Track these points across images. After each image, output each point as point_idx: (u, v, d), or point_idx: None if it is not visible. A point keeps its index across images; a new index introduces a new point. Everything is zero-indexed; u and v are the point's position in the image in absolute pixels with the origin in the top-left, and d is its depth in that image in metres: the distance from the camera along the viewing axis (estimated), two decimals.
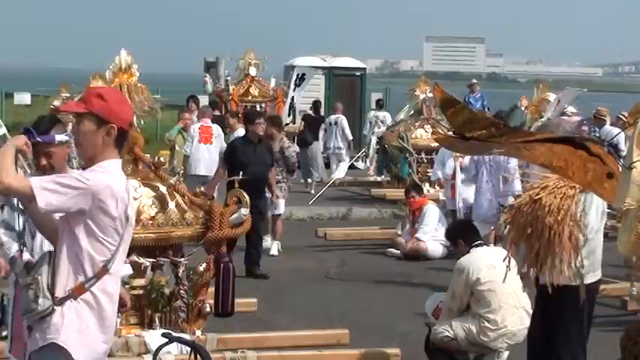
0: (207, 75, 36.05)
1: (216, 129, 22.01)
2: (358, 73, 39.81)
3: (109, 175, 6.53)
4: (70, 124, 8.23)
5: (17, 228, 8.00)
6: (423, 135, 25.03)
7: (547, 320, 9.96)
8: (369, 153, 33.28)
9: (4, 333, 8.97)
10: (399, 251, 19.72)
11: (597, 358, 10.60)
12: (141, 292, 10.71)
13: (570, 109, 20.76)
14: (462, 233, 11.89)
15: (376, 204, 25.10)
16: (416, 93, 26.33)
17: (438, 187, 21.83)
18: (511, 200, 11.36)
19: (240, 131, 22.20)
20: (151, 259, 10.85)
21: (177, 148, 22.28)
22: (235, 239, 11.39)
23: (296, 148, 21.68)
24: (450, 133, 2.13)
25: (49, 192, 6.33)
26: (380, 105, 35.54)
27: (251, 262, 16.58)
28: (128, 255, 10.11)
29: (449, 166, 19.63)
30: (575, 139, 2.04)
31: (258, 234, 17.08)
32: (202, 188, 11.87)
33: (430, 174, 23.22)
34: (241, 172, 14.05)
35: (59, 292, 6.48)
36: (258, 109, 28.66)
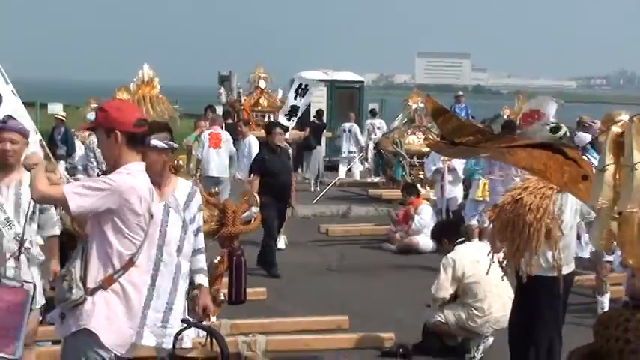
0: (222, 87, 36.14)
1: (225, 135, 21.98)
2: (357, 86, 39.91)
3: (132, 177, 6.56)
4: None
5: None
6: (415, 141, 25.05)
7: (526, 308, 9.97)
8: (367, 157, 33.33)
9: None
10: (393, 246, 19.80)
11: (572, 342, 10.50)
12: None
13: (551, 118, 20.79)
14: (446, 233, 12.17)
15: (373, 203, 25.15)
16: (409, 103, 26.52)
17: (428, 188, 21.93)
18: None
19: (252, 137, 22.28)
20: None
21: (193, 152, 22.28)
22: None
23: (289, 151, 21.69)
24: (440, 139, 2.12)
25: (78, 196, 6.39)
26: (374, 113, 35.77)
27: (267, 260, 16.53)
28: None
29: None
30: (553, 145, 2.04)
31: (275, 232, 17.16)
32: (217, 189, 11.87)
33: (421, 176, 23.50)
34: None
35: (90, 283, 6.50)
36: (266, 118, 28.68)
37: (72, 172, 24.90)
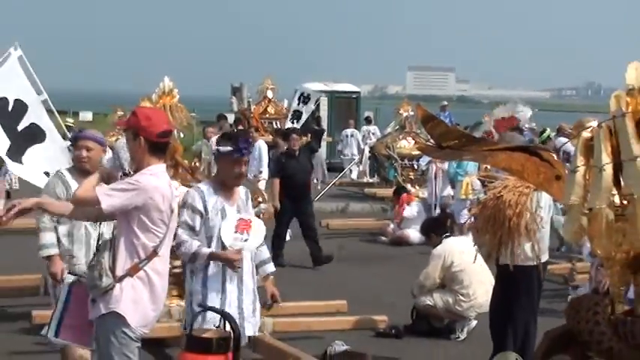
0: (234, 97, 36.18)
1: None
2: (354, 96, 39.98)
3: (156, 178, 6.62)
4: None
5: None
6: (405, 145, 25.10)
7: (505, 294, 9.97)
8: (362, 159, 33.36)
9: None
10: (386, 238, 19.84)
11: (545, 325, 10.51)
12: (180, 270, 10.68)
13: (526, 124, 20.85)
14: (433, 229, 12.28)
15: (369, 200, 25.17)
16: (400, 112, 26.54)
17: (418, 187, 21.97)
18: None
19: (261, 142, 22.29)
20: None
21: (203, 155, 22.36)
22: None
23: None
24: (429, 143, 2.12)
25: (109, 197, 6.48)
26: (368, 121, 35.94)
27: (275, 250, 16.30)
28: None
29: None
30: (530, 148, 2.04)
31: (285, 227, 17.13)
32: None
33: (412, 176, 23.66)
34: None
35: (119, 272, 6.54)
36: (274, 124, 28.73)
37: None
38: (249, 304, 7.89)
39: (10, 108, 11.53)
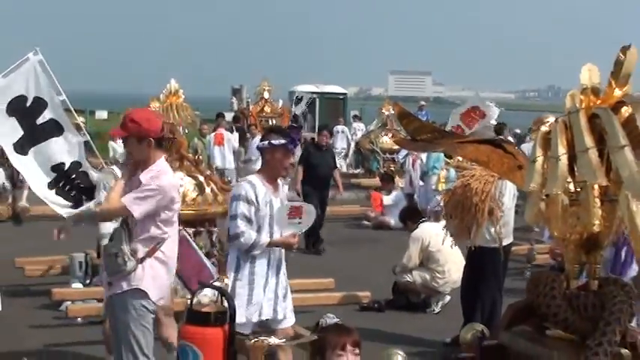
0: (234, 97, 36.29)
1: (226, 134, 22.51)
2: (341, 97, 40.23)
3: (169, 175, 6.70)
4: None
5: None
6: (387, 141, 25.42)
7: (474, 273, 10.01)
8: (349, 153, 33.54)
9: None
10: (370, 223, 19.89)
11: (510, 299, 10.48)
12: None
13: (492, 121, 21.04)
14: (409, 217, 12.37)
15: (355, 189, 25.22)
16: (382, 111, 26.87)
17: (398, 178, 22.01)
18: None
19: (257, 137, 22.35)
20: (193, 229, 10.80)
21: (199, 150, 22.42)
22: None
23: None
24: (405, 137, 2.12)
25: (136, 205, 6.49)
26: (358, 118, 36.28)
27: (311, 238, 16.27)
28: None
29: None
30: (495, 141, 2.03)
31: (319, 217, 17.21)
32: (229, 178, 11.86)
33: (392, 167, 23.80)
34: None
35: (140, 254, 6.59)
36: (270, 122, 28.80)
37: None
38: (282, 289, 7.79)
39: (28, 104, 11.49)
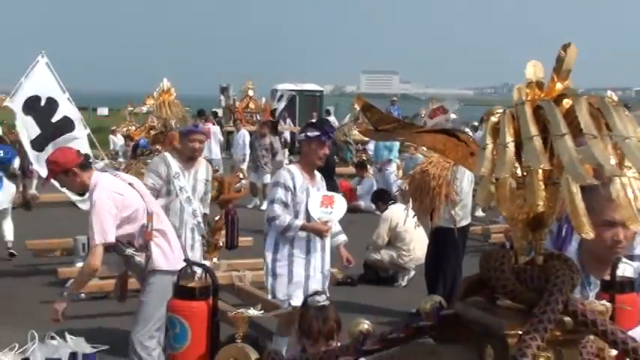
0: (222, 95, 36.26)
1: (214, 128, 22.66)
2: (318, 94, 40.25)
3: (100, 185, 6.58)
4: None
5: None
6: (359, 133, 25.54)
7: (436, 250, 10.04)
8: None
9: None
10: None
11: (469, 274, 10.66)
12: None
13: (452, 115, 21.12)
14: (380, 199, 12.42)
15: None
16: (354, 106, 26.92)
17: (369, 166, 22.08)
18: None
19: (244, 130, 22.40)
20: None
21: None
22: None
23: (278, 143, 21.72)
24: (369, 127, 2.11)
25: (105, 233, 6.38)
26: (329, 113, 36.84)
27: None
28: None
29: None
30: (449, 131, 2.03)
31: None
32: (216, 167, 11.82)
33: (364, 157, 23.95)
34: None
35: (141, 245, 6.65)
36: (254, 117, 28.86)
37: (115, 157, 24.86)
38: (327, 269, 7.83)
39: (42, 104, 11.50)
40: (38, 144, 11.33)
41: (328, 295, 7.67)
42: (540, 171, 1.76)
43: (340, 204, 7.76)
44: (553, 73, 1.85)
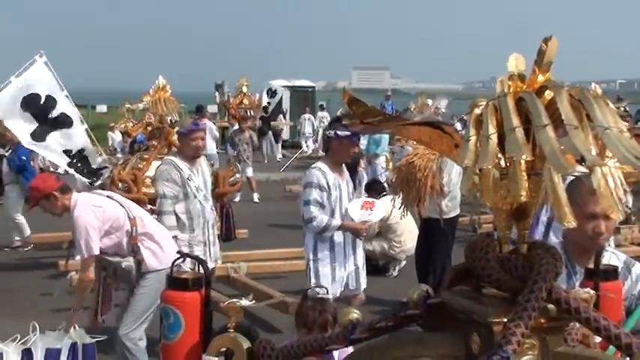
0: (217, 92, 36.29)
1: (209, 124, 22.58)
2: (310, 90, 40.20)
3: (79, 204, 6.65)
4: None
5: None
6: None
7: (427, 240, 10.03)
8: (318, 138, 33.89)
9: None
10: None
11: (454, 264, 10.68)
12: None
13: (443, 109, 21.19)
14: (372, 189, 12.38)
15: None
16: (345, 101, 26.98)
17: (361, 160, 22.13)
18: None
19: (236, 126, 22.42)
20: None
21: None
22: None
23: (255, 137, 21.83)
24: (355, 121, 2.10)
25: (90, 247, 6.48)
26: (322, 108, 37.03)
27: None
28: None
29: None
30: (434, 123, 2.02)
31: None
32: (212, 162, 11.85)
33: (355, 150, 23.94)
34: None
35: (128, 253, 6.69)
36: (248, 113, 28.89)
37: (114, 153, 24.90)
38: (361, 261, 7.80)
39: (42, 101, 11.52)
40: (38, 135, 11.35)
41: (362, 291, 7.69)
42: (523, 162, 1.75)
43: (380, 208, 7.77)
44: (534, 66, 1.83)
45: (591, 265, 2.86)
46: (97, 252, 6.46)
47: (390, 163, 17.28)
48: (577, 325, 1.98)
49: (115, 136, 27.85)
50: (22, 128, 11.21)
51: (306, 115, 34.58)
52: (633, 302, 3.77)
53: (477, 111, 1.85)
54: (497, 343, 1.74)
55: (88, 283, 6.58)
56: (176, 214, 7.98)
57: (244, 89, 30.39)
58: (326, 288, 5.40)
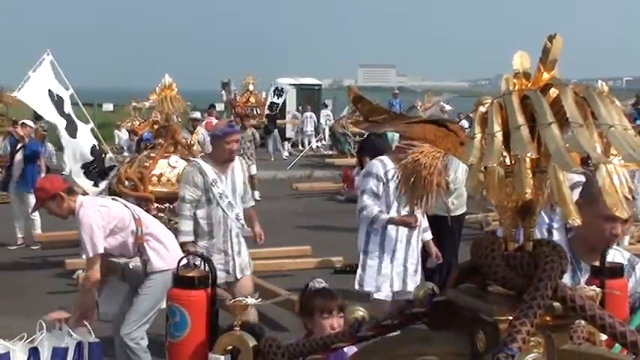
0: (223, 90, 36.38)
1: (215, 122, 22.65)
2: (316, 88, 40.17)
3: (85, 205, 6.62)
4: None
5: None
6: None
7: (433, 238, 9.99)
8: (325, 136, 33.92)
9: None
10: (343, 197, 19.87)
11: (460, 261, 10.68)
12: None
13: (447, 107, 21.19)
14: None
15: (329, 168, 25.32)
16: None
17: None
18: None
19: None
20: None
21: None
22: None
23: (257, 135, 21.84)
24: (360, 118, 2.10)
25: (95, 246, 6.44)
26: (325, 105, 37.50)
27: None
28: (171, 202, 10.08)
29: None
30: (439, 121, 2.02)
31: None
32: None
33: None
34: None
35: (133, 254, 6.70)
36: (254, 111, 28.94)
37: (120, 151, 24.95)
38: (412, 264, 7.69)
39: (55, 98, 11.61)
40: (71, 131, 11.49)
41: (411, 289, 7.59)
42: (528, 159, 1.75)
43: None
44: (539, 64, 1.83)
45: (597, 263, 2.86)
46: (102, 250, 6.45)
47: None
48: (583, 322, 1.98)
49: (122, 135, 27.91)
50: (57, 121, 11.33)
51: (308, 114, 34.66)
52: (637, 300, 3.77)
53: (482, 109, 1.85)
54: (503, 341, 1.74)
55: (94, 282, 6.57)
56: (196, 219, 7.74)
57: (251, 87, 30.47)
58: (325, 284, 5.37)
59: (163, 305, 6.83)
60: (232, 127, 8.07)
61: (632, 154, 1.61)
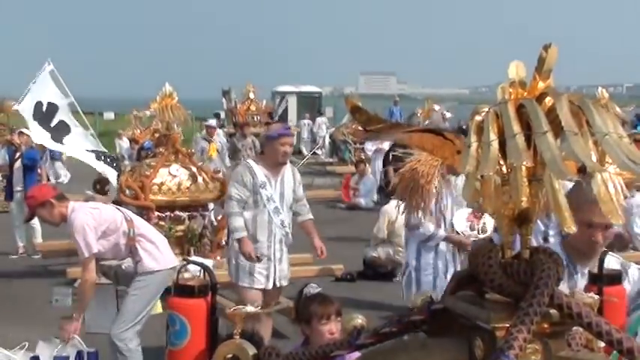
0: (224, 98, 36.48)
1: (217, 131, 22.80)
2: (317, 95, 40.29)
3: (76, 211, 6.67)
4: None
5: None
6: None
7: None
8: (325, 145, 33.97)
9: None
10: (343, 205, 19.92)
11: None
12: (181, 233, 10.64)
13: (448, 114, 21.25)
14: (386, 190, 12.42)
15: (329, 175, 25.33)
16: None
17: (367, 164, 22.09)
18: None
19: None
20: (188, 213, 10.79)
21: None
22: None
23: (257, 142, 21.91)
24: (359, 128, 2.12)
25: (91, 247, 6.48)
26: (321, 113, 37.33)
27: None
28: (172, 211, 10.12)
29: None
30: (436, 130, 2.03)
31: None
32: (217, 168, 11.90)
33: (362, 156, 23.91)
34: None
35: (126, 255, 6.78)
36: (255, 119, 29.01)
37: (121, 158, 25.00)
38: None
39: (44, 109, 11.62)
40: (56, 140, 11.54)
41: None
42: (524, 168, 1.76)
43: (488, 222, 7.71)
44: (535, 73, 1.85)
45: (595, 270, 2.87)
46: (96, 250, 6.48)
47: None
48: (581, 329, 1.99)
49: (123, 143, 27.94)
50: (41, 132, 11.40)
51: (305, 121, 34.94)
52: (630, 304, 3.81)
53: (479, 117, 1.86)
54: (500, 348, 1.75)
55: (91, 284, 6.58)
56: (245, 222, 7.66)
57: (251, 95, 30.55)
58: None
59: (154, 311, 6.87)
60: (287, 129, 8.08)
61: (626, 162, 1.62)
